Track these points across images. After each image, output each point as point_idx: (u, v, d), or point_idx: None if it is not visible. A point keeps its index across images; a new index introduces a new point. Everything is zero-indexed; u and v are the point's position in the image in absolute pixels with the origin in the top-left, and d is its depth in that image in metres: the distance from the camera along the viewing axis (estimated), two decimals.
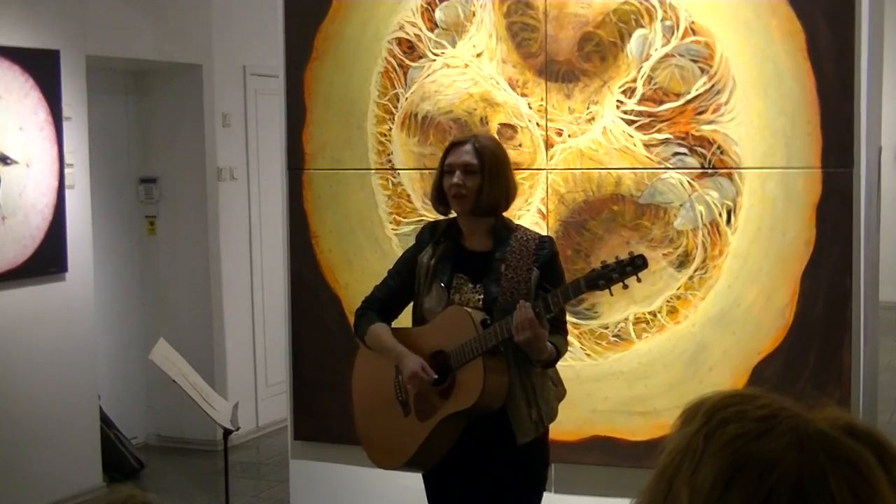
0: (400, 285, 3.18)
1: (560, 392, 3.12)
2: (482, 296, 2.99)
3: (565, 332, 3.06)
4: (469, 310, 2.98)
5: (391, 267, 3.29)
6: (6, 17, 5.27)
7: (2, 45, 5.20)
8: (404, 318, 3.23)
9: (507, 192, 3.06)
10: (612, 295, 2.90)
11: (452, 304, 3.02)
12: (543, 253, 2.99)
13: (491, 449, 2.99)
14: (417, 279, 3.12)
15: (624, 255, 2.85)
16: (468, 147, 3.03)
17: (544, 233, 3.68)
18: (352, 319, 4.28)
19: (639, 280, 2.86)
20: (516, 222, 3.17)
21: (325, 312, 4.33)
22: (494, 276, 2.98)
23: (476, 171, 2.99)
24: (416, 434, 3.05)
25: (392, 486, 4.15)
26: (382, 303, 3.20)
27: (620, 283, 2.83)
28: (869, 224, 3.72)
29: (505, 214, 3.12)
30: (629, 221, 3.88)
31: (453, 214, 3.12)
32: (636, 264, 2.81)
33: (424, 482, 3.18)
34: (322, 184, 4.32)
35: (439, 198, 3.09)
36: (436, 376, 2.99)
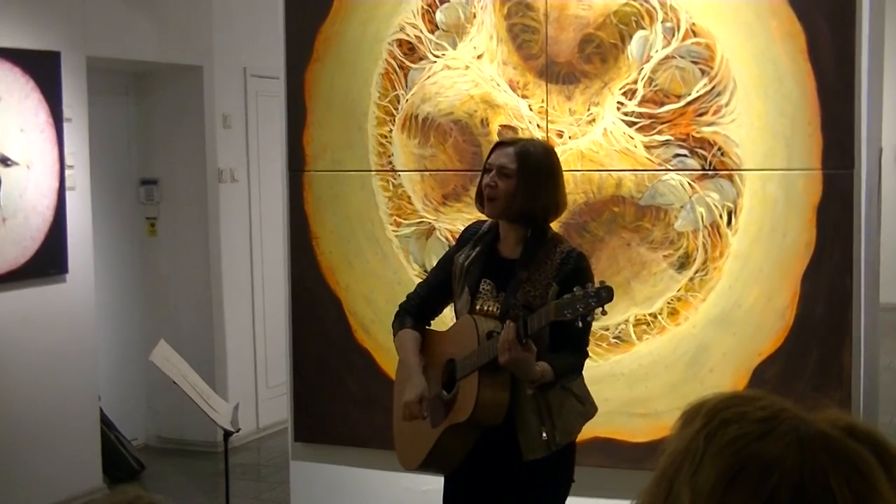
0: (437, 283, 3.16)
1: (587, 410, 3.01)
2: (501, 306, 2.94)
3: (579, 352, 2.93)
4: (477, 320, 2.92)
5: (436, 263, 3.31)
6: (7, 19, 5.27)
7: (2, 47, 5.20)
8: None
9: (546, 204, 2.95)
10: (580, 326, 2.76)
11: (474, 309, 2.99)
12: (567, 268, 2.88)
13: (499, 462, 2.95)
14: (453, 278, 3.09)
15: (594, 284, 2.71)
16: (510, 150, 2.95)
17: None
18: (352, 321, 4.31)
19: (604, 313, 2.71)
20: (556, 232, 3.07)
21: (326, 314, 4.33)
22: (515, 286, 2.92)
23: (511, 176, 2.91)
24: (428, 439, 3.04)
25: (392, 487, 4.15)
26: (422, 300, 3.18)
27: (588, 315, 2.69)
28: (869, 225, 3.72)
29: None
30: (630, 223, 3.88)
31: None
32: (601, 296, 2.65)
33: (444, 486, 3.16)
34: (322, 185, 4.32)
35: (480, 196, 3.03)
36: (425, 416, 2.98)
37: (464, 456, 3.00)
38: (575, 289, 2.70)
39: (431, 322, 3.21)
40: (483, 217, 3.13)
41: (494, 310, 2.95)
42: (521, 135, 3.93)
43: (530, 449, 2.88)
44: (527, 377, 2.79)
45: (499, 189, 2.92)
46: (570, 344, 2.87)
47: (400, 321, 3.17)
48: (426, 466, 3.11)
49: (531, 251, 2.94)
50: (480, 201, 3.01)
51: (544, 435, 2.87)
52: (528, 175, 2.91)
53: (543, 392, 2.87)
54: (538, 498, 2.98)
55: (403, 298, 3.24)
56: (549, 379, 2.81)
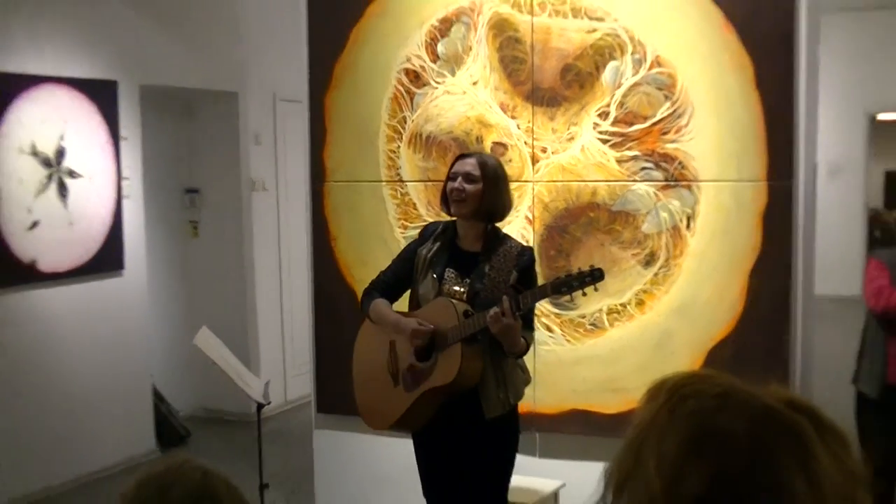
0: (402, 271, 3.22)
1: (527, 378, 3.16)
2: (467, 290, 3.02)
3: (533, 330, 3.11)
4: (454, 301, 3.00)
5: (396, 255, 3.33)
6: (73, 54, 5.27)
7: (70, 77, 5.21)
8: (402, 302, 3.25)
9: (503, 204, 3.08)
10: (571, 301, 2.88)
11: (442, 294, 3.04)
12: (523, 260, 3.03)
13: (465, 420, 3.04)
14: (416, 268, 3.15)
15: (586, 267, 2.85)
16: (472, 160, 3.07)
17: (531, 239, 3.74)
18: None
19: (596, 289, 2.86)
20: (505, 231, 3.19)
21: (342, 304, 4.32)
22: (479, 274, 3.01)
23: (477, 181, 3.01)
24: (402, 402, 3.11)
25: (402, 452, 4.14)
26: (386, 284, 3.24)
27: (580, 292, 2.83)
28: (807, 229, 3.72)
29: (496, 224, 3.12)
30: (603, 226, 3.87)
31: (454, 218, 3.13)
32: (594, 276, 2.82)
33: (414, 445, 3.22)
34: (340, 194, 4.32)
35: (445, 200, 3.11)
36: (432, 327, 3.00)
37: (430, 416, 3.08)
38: (569, 271, 2.88)
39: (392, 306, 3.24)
40: (441, 219, 3.24)
41: (461, 293, 3.02)
42: (511, 150, 3.93)
43: (490, 408, 2.99)
44: (512, 348, 2.91)
45: (467, 192, 3.02)
46: (526, 325, 2.99)
47: (371, 297, 3.22)
48: (397, 426, 3.18)
49: (491, 245, 3.04)
50: (446, 203, 3.10)
51: (500, 396, 2.99)
52: (490, 179, 3.03)
53: (518, 360, 3.03)
54: (498, 448, 3.08)
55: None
56: (523, 350, 2.96)
